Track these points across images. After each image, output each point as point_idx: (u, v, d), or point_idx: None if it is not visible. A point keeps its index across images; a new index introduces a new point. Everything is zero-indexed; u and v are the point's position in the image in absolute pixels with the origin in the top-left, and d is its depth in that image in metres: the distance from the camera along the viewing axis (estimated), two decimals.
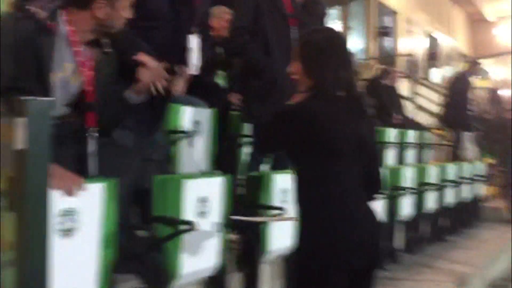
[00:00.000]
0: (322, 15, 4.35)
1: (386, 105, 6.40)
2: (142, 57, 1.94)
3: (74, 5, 1.80)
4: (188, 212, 2.16)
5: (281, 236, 2.67)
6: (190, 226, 2.05)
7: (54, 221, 1.68)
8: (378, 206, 3.82)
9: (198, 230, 2.18)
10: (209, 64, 3.74)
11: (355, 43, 10.60)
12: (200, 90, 3.41)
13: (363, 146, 1.74)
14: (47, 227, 1.01)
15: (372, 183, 1.86)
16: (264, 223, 2.66)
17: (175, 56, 2.37)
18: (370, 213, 1.79)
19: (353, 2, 10.04)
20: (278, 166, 2.99)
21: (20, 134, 0.96)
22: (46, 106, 0.97)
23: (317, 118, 1.67)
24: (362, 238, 1.69)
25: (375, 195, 1.92)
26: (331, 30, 1.88)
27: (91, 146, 1.87)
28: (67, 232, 1.72)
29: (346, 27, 10.11)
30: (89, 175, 1.86)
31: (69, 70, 1.82)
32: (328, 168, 1.69)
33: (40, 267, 0.99)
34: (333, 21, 10.84)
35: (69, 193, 1.69)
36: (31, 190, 0.96)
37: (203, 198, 2.24)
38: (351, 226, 1.68)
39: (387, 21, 11.07)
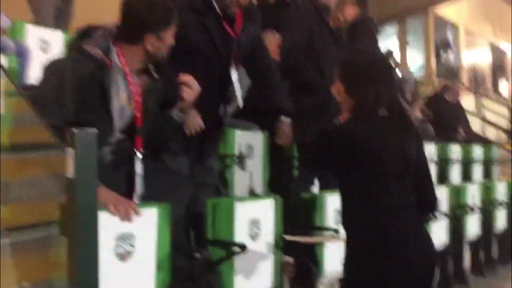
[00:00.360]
0: (373, 33, 4.34)
1: (449, 120, 6.20)
2: (185, 77, 2.04)
3: (125, 41, 1.92)
4: (241, 234, 2.21)
5: (337, 257, 2.64)
6: (242, 248, 2.09)
7: (112, 245, 1.78)
8: (442, 227, 3.71)
9: (251, 252, 2.22)
10: None
11: (414, 59, 10.41)
12: (253, 114, 3.49)
13: (411, 164, 1.71)
14: (96, 250, 1.07)
15: (425, 202, 1.82)
16: (319, 244, 2.65)
17: (218, 88, 2.44)
18: (422, 234, 1.74)
19: (410, 17, 9.88)
20: (328, 187, 2.98)
21: (70, 164, 1.05)
22: (92, 137, 1.05)
23: (359, 139, 1.67)
24: (412, 260, 1.65)
25: (430, 215, 1.88)
26: (373, 53, 1.88)
27: (138, 168, 1.97)
28: (124, 256, 1.81)
29: (404, 43, 9.96)
30: (137, 195, 1.95)
31: (124, 99, 1.95)
32: (373, 189, 1.67)
33: None
34: (390, 38, 10.74)
35: (126, 217, 1.79)
36: (80, 216, 1.03)
37: (255, 220, 2.28)
38: (398, 248, 1.64)
39: (447, 34, 10.79)
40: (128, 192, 1.94)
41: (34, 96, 1.83)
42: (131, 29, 1.91)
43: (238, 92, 2.46)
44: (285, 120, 2.22)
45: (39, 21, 3.80)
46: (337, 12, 4.89)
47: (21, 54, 3.04)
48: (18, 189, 2.17)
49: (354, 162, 1.68)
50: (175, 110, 2.08)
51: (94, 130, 1.07)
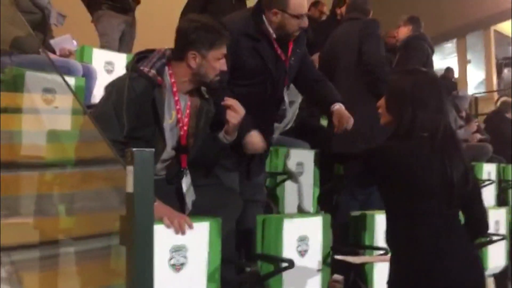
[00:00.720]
0: (425, 49, 4.31)
1: (509, 139, 5.98)
2: (229, 100, 2.14)
3: (174, 59, 2.06)
4: (289, 250, 2.26)
5: (386, 276, 2.64)
6: (290, 264, 2.14)
7: (167, 256, 1.89)
8: (501, 248, 3.60)
9: (299, 268, 2.27)
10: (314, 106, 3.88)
11: (474, 76, 10.13)
12: (304, 132, 3.56)
13: (454, 186, 1.69)
14: (152, 259, 1.17)
15: (474, 225, 1.80)
16: (368, 263, 2.66)
17: (270, 108, 2.54)
18: (467, 257, 1.72)
19: (470, 34, 9.65)
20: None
21: (130, 180, 1.16)
22: (149, 156, 1.16)
23: (397, 158, 1.69)
24: (454, 281, 1.64)
25: (480, 236, 1.86)
26: (420, 73, 1.84)
27: (184, 184, 2.08)
28: (178, 267, 1.91)
29: (464, 60, 9.73)
30: (186, 210, 2.05)
31: (175, 117, 2.08)
32: (414, 209, 1.68)
33: None
34: (450, 55, 10.51)
35: (179, 230, 1.90)
36: (138, 227, 1.14)
37: (303, 236, 2.33)
38: (439, 268, 1.64)
39: (509, 51, 10.43)
40: (180, 206, 2.05)
41: (96, 113, 2.00)
42: (178, 46, 2.05)
43: (289, 112, 2.54)
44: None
45: (105, 44, 4.06)
46: (392, 31, 4.92)
47: (88, 76, 3.26)
48: (82, 201, 2.34)
49: (394, 181, 1.70)
50: (222, 132, 2.18)
51: (151, 150, 1.17)
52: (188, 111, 2.11)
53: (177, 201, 2.08)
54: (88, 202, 2.31)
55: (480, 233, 1.91)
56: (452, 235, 1.69)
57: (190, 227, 1.93)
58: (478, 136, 5.40)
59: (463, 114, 5.61)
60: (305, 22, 2.41)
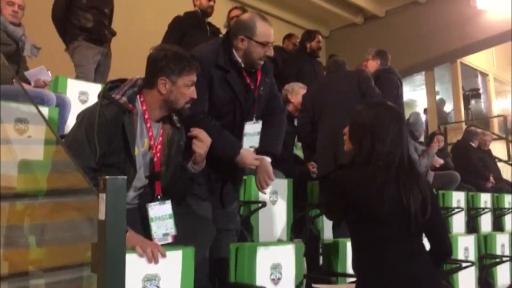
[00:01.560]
0: (394, 82, 4.46)
1: (478, 168, 6.14)
2: (195, 130, 2.20)
3: (145, 87, 2.11)
4: (262, 278, 2.28)
5: None
6: None
7: (139, 286, 1.89)
8: (470, 276, 3.67)
9: None
10: (287, 136, 3.95)
11: (443, 107, 10.41)
12: (276, 162, 3.60)
13: (413, 213, 1.75)
14: (122, 286, 1.19)
15: (437, 251, 1.86)
16: None
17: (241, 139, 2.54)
18: (429, 280, 1.76)
19: (438, 67, 9.96)
20: None
21: (102, 207, 1.18)
22: (122, 183, 1.18)
23: (352, 187, 1.75)
24: None
25: (442, 262, 1.92)
26: (383, 106, 1.91)
27: (152, 212, 2.09)
28: None
29: (433, 92, 10.01)
30: (154, 239, 2.06)
31: (147, 145, 2.11)
32: (373, 236, 1.74)
33: None
34: (419, 87, 10.82)
35: (152, 259, 1.90)
36: (110, 254, 1.15)
37: (276, 264, 2.35)
38: None
39: (476, 83, 10.80)
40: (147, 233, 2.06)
41: (69, 140, 2.02)
42: (148, 73, 2.11)
43: (256, 142, 2.56)
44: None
45: (80, 75, 4.08)
46: (361, 65, 5.08)
47: (62, 106, 3.26)
48: (54, 231, 2.32)
49: (352, 208, 1.76)
50: (190, 162, 2.22)
51: (123, 177, 1.20)
52: (160, 138, 2.14)
53: (143, 230, 2.09)
54: (60, 233, 2.30)
55: (442, 259, 1.96)
56: (414, 261, 1.74)
57: (163, 255, 1.93)
58: (440, 160, 5.51)
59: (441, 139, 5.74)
60: (270, 51, 2.47)
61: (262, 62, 2.50)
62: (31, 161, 2.58)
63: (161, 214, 2.12)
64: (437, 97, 10.38)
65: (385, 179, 1.74)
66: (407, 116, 5.22)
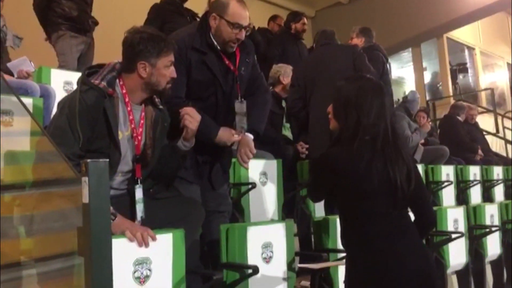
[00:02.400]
0: (382, 61, 4.47)
1: (465, 141, 6.19)
2: (186, 109, 2.21)
3: (124, 71, 2.10)
4: (253, 257, 2.30)
5: None
6: (255, 270, 2.17)
7: (130, 269, 1.90)
8: (461, 247, 3.72)
9: (265, 274, 2.31)
10: (276, 117, 3.96)
11: (431, 82, 10.45)
12: (265, 143, 3.60)
13: (399, 186, 1.76)
14: (110, 267, 1.19)
15: (421, 221, 1.88)
16: (333, 266, 2.71)
17: (224, 119, 2.54)
18: (417, 253, 1.78)
19: (425, 43, 9.96)
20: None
21: (85, 190, 1.18)
22: (103, 166, 1.18)
23: (340, 163, 1.76)
24: (408, 277, 1.70)
25: (427, 232, 1.95)
26: (364, 79, 1.92)
27: (138, 194, 2.10)
28: (143, 279, 1.92)
29: (420, 68, 10.03)
30: (138, 221, 2.07)
31: (130, 129, 2.10)
32: (361, 210, 1.75)
33: None
34: (407, 63, 10.83)
35: (142, 243, 1.91)
36: (95, 236, 1.16)
37: (267, 243, 2.37)
38: (392, 266, 1.70)
39: (463, 57, 10.82)
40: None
41: (51, 129, 2.01)
42: (127, 59, 2.09)
43: (244, 123, 2.56)
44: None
45: (63, 64, 4.04)
46: (346, 43, 5.07)
47: (46, 96, 3.23)
48: (43, 221, 2.32)
49: (340, 185, 1.77)
50: (180, 140, 2.22)
51: (105, 160, 1.20)
52: (142, 121, 2.14)
53: (129, 212, 2.10)
54: (49, 223, 2.30)
55: (427, 230, 1.98)
56: (401, 234, 1.77)
57: (153, 239, 1.94)
58: (433, 139, 5.57)
59: (424, 116, 5.77)
60: (241, 34, 2.43)
61: (233, 45, 2.46)
62: (17, 153, 2.56)
63: (139, 197, 2.13)
64: (431, 72, 10.39)
65: (372, 153, 1.75)
66: (401, 94, 5.22)
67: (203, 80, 2.45)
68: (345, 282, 1.82)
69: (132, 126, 2.10)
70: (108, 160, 1.19)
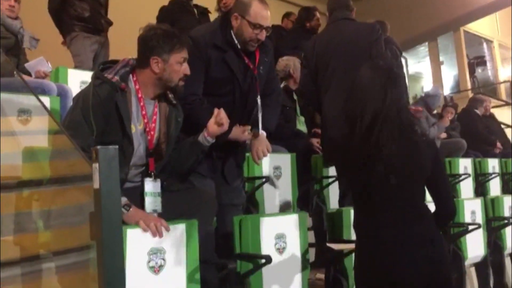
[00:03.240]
0: (396, 55, 4.45)
1: (483, 135, 6.12)
2: (219, 110, 2.24)
3: (138, 67, 2.15)
4: (267, 248, 2.32)
5: None
6: (268, 260, 2.19)
7: (145, 259, 1.94)
8: (479, 238, 3.69)
9: (279, 265, 2.33)
10: (289, 112, 3.97)
11: (448, 77, 10.35)
12: (280, 138, 3.62)
13: (414, 175, 1.77)
14: (121, 251, 1.23)
15: (440, 211, 1.88)
16: (348, 257, 2.72)
17: (241, 116, 2.57)
18: (424, 238, 1.78)
19: (441, 37, 9.87)
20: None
21: (96, 176, 1.22)
22: (113, 153, 1.22)
23: (350, 148, 1.76)
24: (414, 264, 1.71)
25: (445, 222, 1.94)
26: (381, 66, 1.92)
27: (148, 187, 2.13)
28: (157, 269, 1.96)
29: (437, 62, 9.94)
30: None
31: (143, 124, 2.14)
32: (374, 194, 1.76)
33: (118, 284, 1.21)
34: (424, 58, 10.74)
35: (156, 233, 1.95)
36: (106, 221, 1.19)
37: (280, 234, 2.39)
38: (398, 251, 1.71)
39: (481, 50, 10.69)
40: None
41: (66, 122, 2.06)
42: (140, 54, 2.13)
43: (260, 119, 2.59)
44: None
45: (78, 64, 4.12)
46: None
47: (63, 95, 3.30)
48: (60, 216, 2.38)
49: (355, 169, 1.78)
50: (201, 135, 2.26)
51: (115, 147, 1.23)
52: (155, 117, 2.17)
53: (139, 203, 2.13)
54: (67, 217, 2.35)
55: (445, 220, 1.98)
56: (413, 222, 1.77)
57: (167, 229, 1.98)
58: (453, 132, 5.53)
59: (435, 111, 5.72)
60: (262, 35, 2.45)
61: (254, 45, 2.49)
62: (35, 150, 2.63)
63: (153, 190, 2.17)
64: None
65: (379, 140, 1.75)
66: (418, 89, 5.13)
67: (221, 77, 2.48)
68: (354, 268, 1.83)
69: (145, 120, 2.14)
70: (117, 146, 1.22)
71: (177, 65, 2.12)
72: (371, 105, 1.75)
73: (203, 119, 2.32)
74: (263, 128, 2.58)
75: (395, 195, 1.77)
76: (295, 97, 4.08)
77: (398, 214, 1.77)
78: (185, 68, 2.15)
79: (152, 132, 2.15)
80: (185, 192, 2.23)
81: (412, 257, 1.71)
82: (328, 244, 2.58)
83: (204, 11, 4.42)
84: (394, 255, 1.71)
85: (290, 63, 4.19)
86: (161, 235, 1.97)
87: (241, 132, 2.49)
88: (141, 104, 2.12)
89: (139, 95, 2.12)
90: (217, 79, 2.49)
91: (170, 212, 2.12)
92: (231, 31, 2.48)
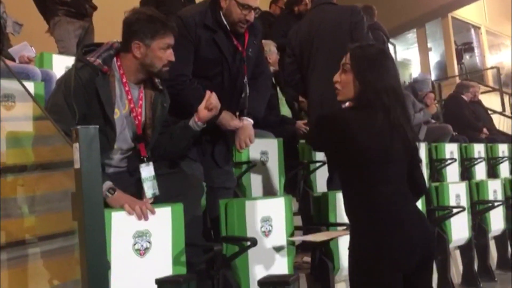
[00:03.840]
0: (382, 40, 4.46)
1: (469, 120, 6.17)
2: (211, 93, 2.25)
3: (122, 51, 2.12)
4: (252, 231, 2.33)
5: None
6: (253, 242, 2.20)
7: (130, 242, 1.95)
8: (463, 221, 3.73)
9: (265, 248, 2.35)
10: (272, 98, 3.96)
11: (436, 63, 10.38)
12: (266, 125, 3.62)
13: (401, 154, 1.79)
14: (103, 231, 1.23)
15: (415, 188, 1.91)
16: (333, 240, 2.74)
17: (230, 98, 2.58)
18: (418, 215, 1.83)
19: (430, 23, 9.88)
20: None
21: (77, 156, 1.21)
22: (93, 132, 1.22)
23: (348, 126, 1.76)
24: (411, 239, 1.73)
25: (418, 198, 1.99)
26: (378, 45, 1.92)
27: (145, 172, 2.14)
28: (143, 252, 1.97)
29: (425, 48, 9.97)
30: (146, 198, 2.11)
31: (128, 107, 2.13)
32: (366, 176, 1.76)
33: (100, 268, 1.21)
34: (412, 45, 10.76)
35: (141, 216, 1.95)
36: (87, 200, 1.19)
37: (266, 217, 2.40)
38: (396, 228, 1.73)
39: (469, 37, 10.72)
40: (141, 197, 2.11)
41: (49, 106, 2.05)
42: (123, 37, 2.11)
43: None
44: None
45: (62, 49, 4.07)
46: None
47: (48, 80, 3.27)
48: (45, 201, 2.37)
49: (344, 148, 1.78)
50: (192, 120, 2.25)
51: (95, 126, 1.23)
52: (141, 102, 2.16)
53: (137, 192, 2.13)
54: (52, 203, 2.35)
55: (420, 194, 2.02)
56: (405, 201, 1.80)
57: (152, 212, 1.99)
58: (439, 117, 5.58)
59: (421, 97, 5.75)
60: (250, 15, 2.45)
61: (243, 26, 2.49)
62: (19, 136, 2.61)
63: (149, 175, 2.17)
64: (438, 52, 10.30)
65: (383, 122, 1.76)
66: (407, 76, 5.14)
67: (211, 58, 2.47)
68: (349, 248, 1.84)
69: (132, 105, 2.13)
70: (98, 126, 1.22)
71: (160, 51, 2.08)
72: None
73: (193, 99, 2.32)
74: (251, 116, 2.59)
75: (394, 172, 1.79)
76: (273, 81, 4.07)
77: (392, 192, 1.79)
78: (169, 54, 2.11)
79: (139, 117, 2.14)
80: (172, 176, 2.24)
81: (409, 235, 1.74)
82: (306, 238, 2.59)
83: None
84: (392, 233, 1.73)
85: (266, 48, 4.18)
86: (146, 218, 1.97)
87: (230, 119, 2.48)
88: (126, 88, 2.10)
89: (123, 80, 2.10)
90: (206, 60, 2.48)
91: (157, 196, 2.13)
92: (220, 12, 2.47)
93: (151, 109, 2.18)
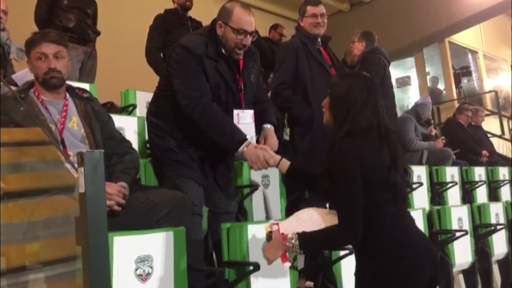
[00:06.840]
0: (383, 64, 4.48)
1: (467, 144, 6.18)
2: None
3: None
4: (255, 255, 2.32)
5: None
6: (256, 267, 2.19)
7: (132, 267, 1.94)
8: (466, 245, 3.71)
9: (267, 272, 2.33)
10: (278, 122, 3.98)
11: (437, 85, 10.46)
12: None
13: (404, 180, 1.83)
14: (107, 255, 1.23)
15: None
16: (336, 264, 2.72)
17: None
18: (423, 236, 1.87)
19: (428, 48, 9.99)
20: None
21: (81, 180, 1.22)
22: (98, 156, 1.22)
23: (360, 154, 1.77)
24: (424, 265, 1.76)
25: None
26: (358, 75, 1.96)
27: None
28: (145, 277, 1.95)
29: (423, 73, 10.05)
30: None
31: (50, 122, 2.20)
32: (375, 201, 1.77)
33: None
34: (410, 69, 10.85)
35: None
36: (91, 225, 1.19)
37: None
38: (407, 250, 1.76)
39: (467, 61, 10.83)
40: None
41: None
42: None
43: (253, 131, 2.62)
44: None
45: None
46: (350, 49, 5.10)
47: None
48: (48, 227, 2.36)
49: (368, 177, 1.78)
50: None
51: (100, 151, 1.24)
52: (64, 113, 2.24)
53: None
54: (55, 228, 2.34)
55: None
56: (412, 224, 1.83)
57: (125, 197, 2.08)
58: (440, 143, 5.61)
59: (423, 121, 5.78)
60: (246, 40, 2.47)
61: (239, 51, 2.51)
62: (24, 162, 2.61)
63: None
64: (430, 76, 10.40)
65: (381, 144, 1.79)
66: (405, 100, 5.14)
67: (216, 86, 2.51)
68: (356, 274, 1.83)
69: (53, 121, 2.19)
70: (102, 150, 1.23)
71: (37, 61, 2.24)
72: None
73: (218, 118, 2.40)
74: (269, 122, 2.66)
75: (394, 198, 1.81)
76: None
77: (401, 216, 1.83)
78: (49, 62, 2.22)
79: (61, 126, 2.20)
80: (155, 190, 2.27)
81: (421, 258, 1.77)
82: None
83: (198, 26, 4.45)
84: (407, 257, 1.76)
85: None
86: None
87: (259, 157, 2.38)
88: (44, 106, 2.21)
89: (39, 99, 2.23)
90: (211, 88, 2.50)
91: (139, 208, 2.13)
92: (218, 41, 2.51)
93: (86, 117, 2.28)
